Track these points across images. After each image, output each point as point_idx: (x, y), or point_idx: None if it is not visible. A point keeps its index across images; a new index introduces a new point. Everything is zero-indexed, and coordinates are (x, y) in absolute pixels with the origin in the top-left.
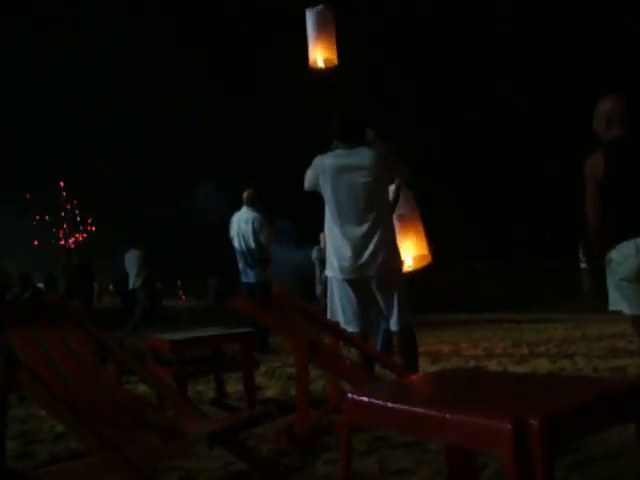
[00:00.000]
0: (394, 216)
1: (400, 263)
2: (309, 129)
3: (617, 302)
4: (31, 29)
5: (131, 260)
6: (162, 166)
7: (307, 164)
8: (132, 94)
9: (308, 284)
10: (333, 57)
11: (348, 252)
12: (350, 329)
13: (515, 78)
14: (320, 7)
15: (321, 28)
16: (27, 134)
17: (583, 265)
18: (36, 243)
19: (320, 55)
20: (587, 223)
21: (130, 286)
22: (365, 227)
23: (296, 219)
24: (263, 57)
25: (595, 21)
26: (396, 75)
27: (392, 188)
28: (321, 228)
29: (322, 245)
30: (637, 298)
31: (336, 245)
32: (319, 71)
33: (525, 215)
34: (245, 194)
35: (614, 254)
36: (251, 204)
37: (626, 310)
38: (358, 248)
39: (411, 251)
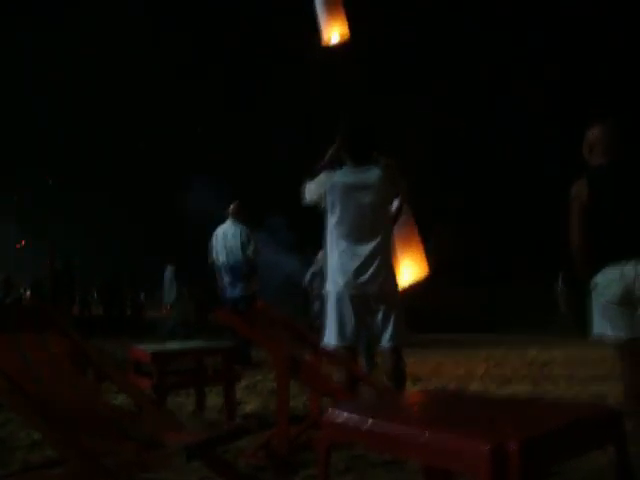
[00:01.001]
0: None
1: (399, 281)
2: (306, 126)
3: (601, 326)
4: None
5: (167, 276)
6: (154, 167)
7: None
8: (125, 93)
9: (300, 292)
10: (345, 31)
11: (353, 268)
12: (342, 343)
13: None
14: None
15: (330, 5)
16: (14, 133)
17: (560, 288)
18: (23, 243)
19: (334, 31)
20: (572, 247)
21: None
22: (371, 245)
23: (291, 217)
24: (262, 56)
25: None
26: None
27: (395, 204)
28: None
29: (320, 264)
30: (621, 322)
31: (341, 261)
32: (333, 48)
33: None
34: (231, 207)
35: (599, 278)
36: (236, 217)
37: (610, 334)
38: (363, 265)
39: (408, 266)
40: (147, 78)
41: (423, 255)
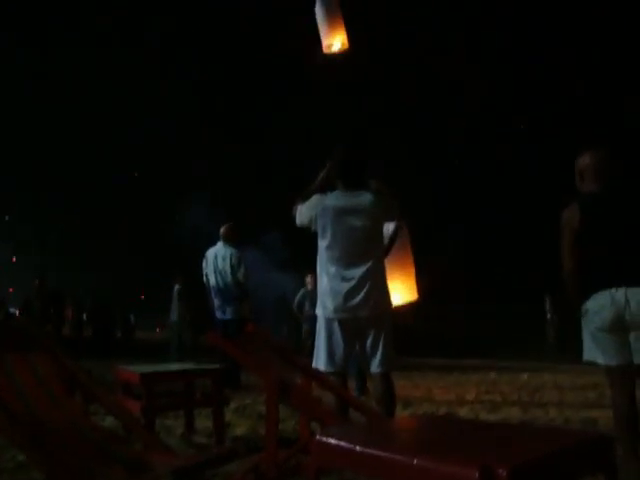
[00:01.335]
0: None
1: (390, 305)
2: (302, 143)
3: (592, 352)
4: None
5: (174, 294)
6: (147, 192)
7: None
8: (121, 120)
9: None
10: (345, 41)
11: (343, 292)
12: (332, 369)
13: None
14: None
15: (331, 14)
16: (9, 151)
17: (549, 315)
18: (14, 260)
19: (333, 39)
20: (563, 273)
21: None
22: (362, 269)
23: (287, 233)
24: (259, 77)
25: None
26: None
27: (390, 227)
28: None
29: (309, 287)
30: (612, 349)
31: (331, 285)
32: (332, 56)
33: (506, 260)
34: (222, 230)
35: (590, 304)
36: (228, 240)
37: (600, 361)
38: (354, 289)
39: (398, 288)
40: (143, 103)
41: (414, 279)
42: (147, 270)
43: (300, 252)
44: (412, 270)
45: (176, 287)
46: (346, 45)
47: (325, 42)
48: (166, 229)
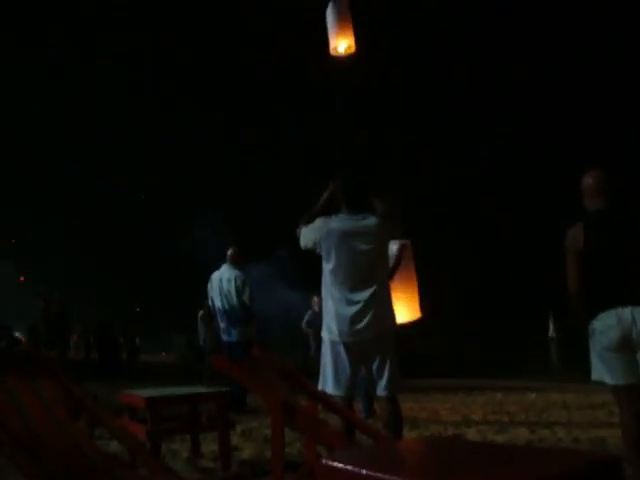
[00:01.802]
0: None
1: (395, 328)
2: (311, 159)
3: (599, 372)
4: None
5: (198, 320)
6: (153, 214)
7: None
8: (125, 144)
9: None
10: (352, 44)
11: (348, 316)
12: (338, 392)
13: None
14: (336, 1)
15: (340, 18)
16: (15, 175)
17: (552, 334)
18: (22, 279)
19: (340, 42)
20: (569, 292)
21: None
22: (367, 293)
23: (297, 249)
24: (262, 94)
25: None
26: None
27: (394, 247)
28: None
29: (316, 308)
30: (619, 368)
31: (335, 308)
32: (339, 58)
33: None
34: (229, 252)
35: (597, 324)
36: (233, 262)
37: (608, 380)
38: (358, 313)
39: (401, 307)
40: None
41: (417, 298)
42: (154, 293)
43: (308, 270)
44: (415, 289)
45: (200, 312)
46: (353, 48)
47: (332, 44)
48: (174, 250)
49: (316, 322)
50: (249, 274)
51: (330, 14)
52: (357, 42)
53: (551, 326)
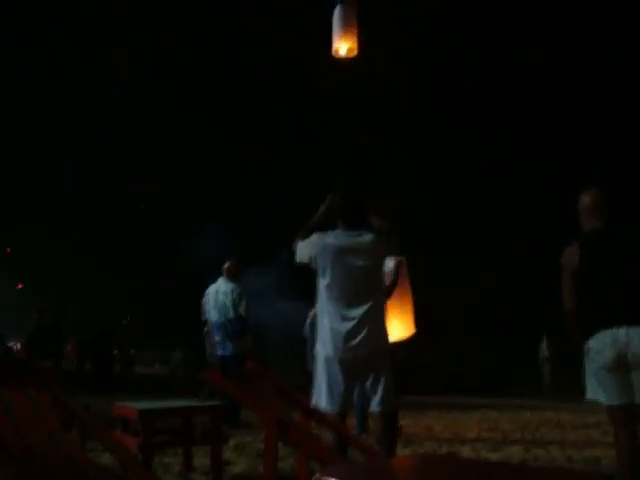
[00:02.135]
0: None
1: (389, 344)
2: (312, 171)
3: (594, 391)
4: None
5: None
6: (150, 227)
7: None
8: (126, 154)
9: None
10: (354, 47)
11: (342, 332)
12: (331, 408)
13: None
14: (344, 4)
15: (344, 21)
16: (10, 183)
17: (544, 353)
18: (20, 286)
19: (342, 44)
20: (564, 311)
21: None
22: (362, 309)
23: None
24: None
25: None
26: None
27: (390, 264)
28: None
29: (312, 321)
30: (614, 388)
31: (330, 324)
32: (340, 60)
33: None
34: (226, 266)
35: (592, 343)
36: (230, 276)
37: (602, 400)
38: (354, 329)
39: (396, 324)
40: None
41: (412, 315)
42: (151, 305)
43: (308, 281)
44: (410, 306)
45: (205, 329)
46: (355, 51)
47: (334, 46)
48: (171, 262)
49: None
50: (250, 285)
51: (336, 17)
52: (361, 45)
53: (544, 345)
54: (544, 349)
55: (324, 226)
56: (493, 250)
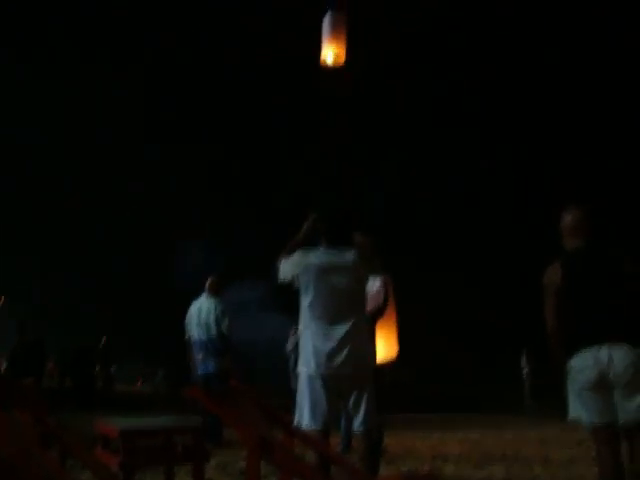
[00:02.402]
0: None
1: (373, 363)
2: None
3: (577, 410)
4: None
5: None
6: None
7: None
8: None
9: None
10: (341, 56)
11: (325, 350)
12: (314, 426)
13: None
14: (333, 12)
15: (332, 29)
16: None
17: (525, 370)
18: (3, 299)
19: (329, 53)
20: (546, 330)
21: None
22: (345, 327)
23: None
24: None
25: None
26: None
27: (377, 284)
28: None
29: (292, 340)
30: (596, 407)
31: (313, 342)
32: (327, 69)
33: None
34: (209, 282)
35: (574, 362)
36: (212, 292)
37: (585, 419)
38: (336, 347)
39: (380, 345)
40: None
41: (396, 336)
42: (134, 322)
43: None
44: (394, 326)
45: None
46: (342, 60)
47: (322, 55)
48: (155, 278)
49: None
50: (237, 299)
51: (325, 24)
52: (349, 54)
53: (524, 361)
54: (524, 365)
55: (307, 244)
56: (476, 266)
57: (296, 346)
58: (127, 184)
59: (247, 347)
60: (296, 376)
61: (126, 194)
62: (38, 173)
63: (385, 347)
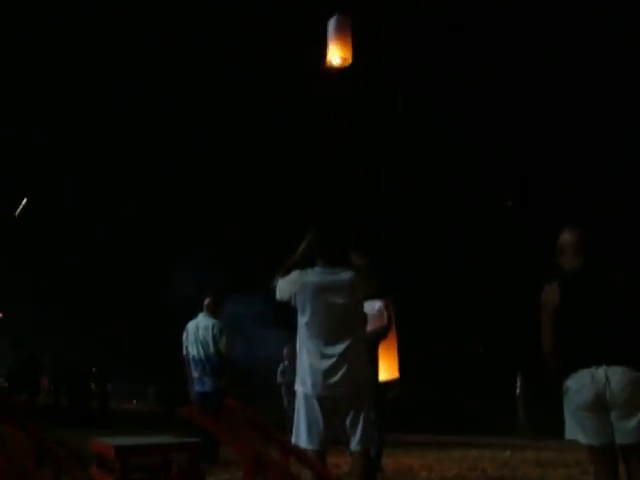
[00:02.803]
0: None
1: (370, 383)
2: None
3: (573, 431)
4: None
5: None
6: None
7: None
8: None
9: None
10: (348, 56)
11: (322, 369)
12: (311, 446)
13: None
14: (339, 15)
15: (338, 32)
16: None
17: (518, 391)
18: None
19: (336, 54)
20: (543, 350)
21: None
22: (342, 347)
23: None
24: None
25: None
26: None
27: (376, 305)
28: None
29: (286, 363)
30: (593, 428)
31: (310, 361)
32: (333, 70)
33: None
34: (206, 302)
35: (570, 382)
36: (210, 311)
37: (582, 440)
38: (333, 367)
39: (381, 365)
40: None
41: (396, 356)
42: (130, 339)
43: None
44: (395, 349)
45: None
46: (349, 61)
47: (328, 56)
48: (150, 296)
49: (288, 374)
50: (234, 314)
51: (331, 27)
52: (355, 55)
53: (518, 382)
54: (518, 386)
55: (304, 264)
56: (468, 286)
57: (291, 371)
58: (126, 198)
59: (245, 364)
60: (287, 395)
61: (122, 209)
62: (36, 177)
63: (385, 368)
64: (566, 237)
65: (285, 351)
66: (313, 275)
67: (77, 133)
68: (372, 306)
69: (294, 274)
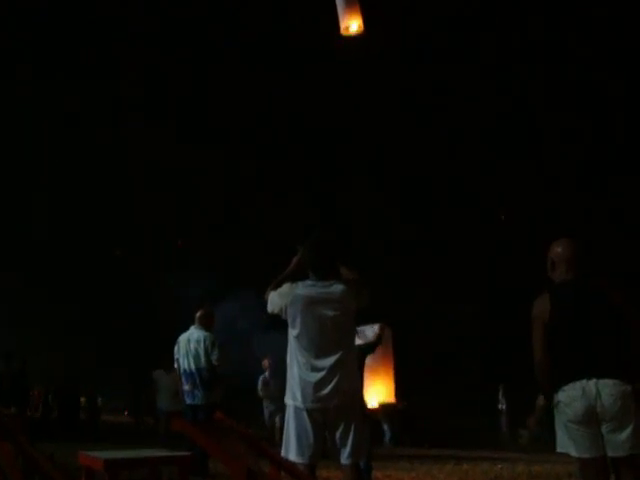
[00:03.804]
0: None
1: (361, 396)
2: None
3: (564, 444)
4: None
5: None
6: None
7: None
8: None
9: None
10: (361, 24)
11: (312, 382)
12: (301, 459)
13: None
14: None
15: (349, 1)
16: None
17: (501, 406)
18: None
19: (351, 21)
20: (534, 363)
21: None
22: (332, 359)
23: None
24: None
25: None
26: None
27: (376, 328)
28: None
29: (266, 374)
30: (584, 441)
31: (300, 374)
32: (349, 38)
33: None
34: (198, 314)
35: (561, 396)
36: (202, 324)
37: (573, 453)
38: (323, 379)
39: (377, 388)
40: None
41: (392, 384)
42: (121, 352)
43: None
44: (391, 374)
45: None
46: (362, 28)
47: (343, 24)
48: (141, 308)
49: (269, 387)
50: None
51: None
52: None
53: (500, 395)
54: (500, 400)
55: (296, 277)
56: (446, 306)
57: (275, 382)
58: (117, 210)
59: (241, 373)
60: (269, 413)
61: (114, 219)
62: (24, 202)
63: (382, 391)
64: (557, 250)
65: (265, 362)
66: (304, 288)
67: (77, 135)
68: (373, 329)
69: (285, 287)
